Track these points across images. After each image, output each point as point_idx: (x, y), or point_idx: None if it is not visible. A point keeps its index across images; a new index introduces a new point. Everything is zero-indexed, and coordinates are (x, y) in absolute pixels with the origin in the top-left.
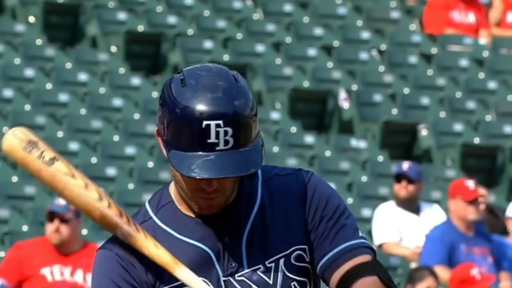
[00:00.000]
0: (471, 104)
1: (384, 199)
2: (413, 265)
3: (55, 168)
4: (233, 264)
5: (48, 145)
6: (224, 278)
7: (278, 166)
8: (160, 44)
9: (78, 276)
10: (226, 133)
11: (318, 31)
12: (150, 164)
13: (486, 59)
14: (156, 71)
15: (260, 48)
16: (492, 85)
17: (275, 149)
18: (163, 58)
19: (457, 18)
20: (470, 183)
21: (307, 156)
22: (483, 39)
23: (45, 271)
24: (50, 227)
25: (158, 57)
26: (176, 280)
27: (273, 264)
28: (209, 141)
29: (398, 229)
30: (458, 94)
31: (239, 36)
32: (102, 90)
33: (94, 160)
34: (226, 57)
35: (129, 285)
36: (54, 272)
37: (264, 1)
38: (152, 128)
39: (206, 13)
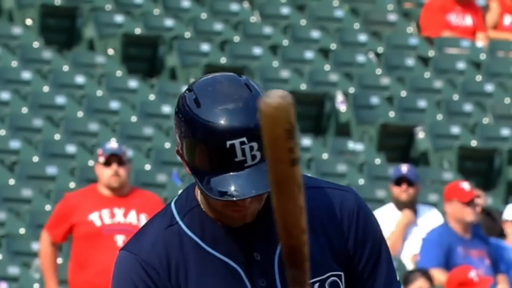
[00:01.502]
0: (468, 107)
1: (381, 202)
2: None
3: (293, 170)
4: (265, 283)
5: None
6: None
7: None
8: (157, 47)
9: (132, 217)
10: (252, 148)
11: (315, 33)
12: (148, 166)
13: (483, 61)
14: (153, 74)
15: (257, 51)
16: (489, 87)
17: None
18: (160, 61)
19: (454, 21)
20: (465, 185)
21: (304, 158)
22: (480, 42)
23: (93, 216)
24: (108, 172)
25: (155, 60)
26: None
27: None
28: (236, 160)
29: None
30: (455, 97)
31: (236, 39)
32: (99, 92)
33: (91, 162)
34: (223, 60)
35: None
36: (103, 216)
37: (261, 4)
38: (149, 130)
39: (203, 15)
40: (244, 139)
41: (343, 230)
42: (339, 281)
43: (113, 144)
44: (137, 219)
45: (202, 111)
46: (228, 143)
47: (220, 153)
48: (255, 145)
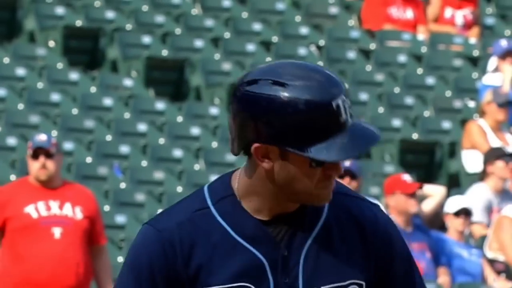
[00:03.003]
0: (409, 100)
1: None
2: None
3: None
4: (287, 280)
5: None
6: None
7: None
8: (98, 39)
9: (67, 209)
10: (348, 106)
11: (257, 26)
12: (89, 159)
13: (424, 54)
14: (94, 66)
15: (198, 43)
16: (430, 80)
17: (214, 144)
18: (101, 53)
19: (395, 14)
20: (407, 177)
21: None
22: (421, 35)
23: (29, 209)
24: (35, 165)
25: (96, 52)
26: (228, 282)
27: None
28: (342, 120)
29: None
30: (397, 90)
31: (178, 31)
32: (40, 85)
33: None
34: (164, 52)
35: (161, 275)
36: (39, 208)
37: None
38: (90, 123)
39: (145, 8)
40: (343, 95)
41: (372, 244)
42: None
43: (41, 136)
44: (73, 211)
45: (290, 87)
46: (334, 103)
47: (329, 117)
48: (348, 101)
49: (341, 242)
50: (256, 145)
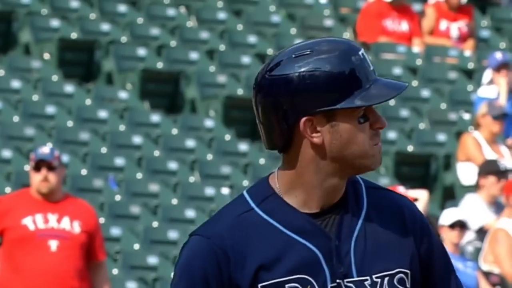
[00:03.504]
0: (404, 112)
1: None
2: None
3: None
4: (342, 269)
5: None
6: (332, 284)
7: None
8: (93, 51)
9: (65, 223)
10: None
11: (252, 39)
12: (84, 171)
13: (419, 67)
14: (89, 79)
15: (194, 55)
16: (425, 93)
17: (209, 156)
18: (96, 65)
19: (390, 27)
20: (402, 189)
21: (241, 164)
22: (416, 47)
23: (27, 221)
24: (37, 177)
25: (91, 64)
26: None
27: (379, 280)
28: (371, 68)
29: None
30: (392, 102)
31: (173, 43)
32: (35, 97)
33: (27, 167)
34: (160, 65)
35: (215, 284)
36: (36, 220)
37: (198, 9)
38: (85, 135)
39: (140, 20)
40: (362, 49)
41: (413, 234)
42: (406, 278)
43: (44, 149)
44: (71, 225)
45: (315, 54)
46: (360, 53)
47: (360, 67)
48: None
49: (384, 231)
50: (303, 119)
